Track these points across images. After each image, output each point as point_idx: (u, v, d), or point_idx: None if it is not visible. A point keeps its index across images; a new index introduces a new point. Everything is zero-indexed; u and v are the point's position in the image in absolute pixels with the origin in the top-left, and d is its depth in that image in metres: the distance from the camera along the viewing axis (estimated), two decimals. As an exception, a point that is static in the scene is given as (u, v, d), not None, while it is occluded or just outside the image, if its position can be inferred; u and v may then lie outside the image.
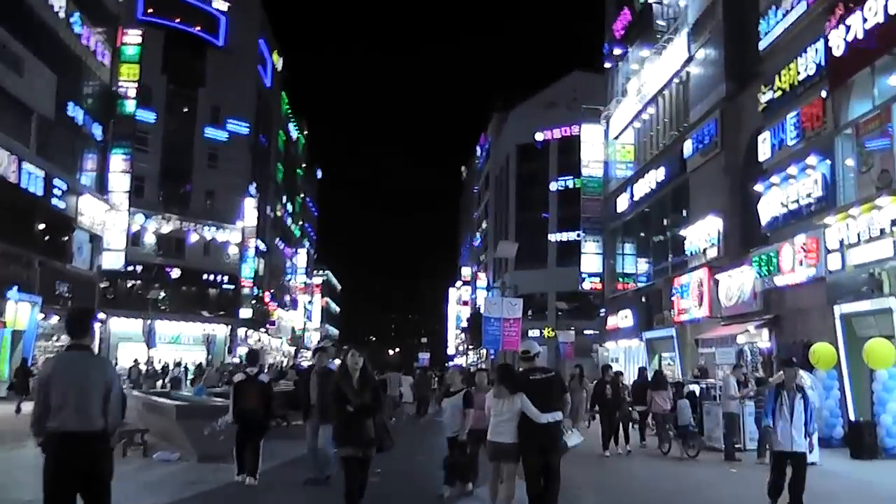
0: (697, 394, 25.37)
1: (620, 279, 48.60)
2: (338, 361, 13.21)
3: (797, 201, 25.25)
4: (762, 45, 28.33)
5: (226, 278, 74.77)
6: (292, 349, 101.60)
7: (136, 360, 47.65)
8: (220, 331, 72.67)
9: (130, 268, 62.10)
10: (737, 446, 20.85)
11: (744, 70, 31.59)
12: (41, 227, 42.91)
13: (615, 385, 22.19)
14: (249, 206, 75.60)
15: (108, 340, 61.43)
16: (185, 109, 74.15)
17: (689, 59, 37.04)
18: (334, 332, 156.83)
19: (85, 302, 45.70)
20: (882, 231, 20.48)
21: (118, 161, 53.92)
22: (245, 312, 75.49)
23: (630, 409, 23.28)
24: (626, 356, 45.17)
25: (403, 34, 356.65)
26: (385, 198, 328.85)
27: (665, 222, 41.15)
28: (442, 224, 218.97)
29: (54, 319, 41.53)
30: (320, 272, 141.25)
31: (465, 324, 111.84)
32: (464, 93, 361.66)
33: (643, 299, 43.08)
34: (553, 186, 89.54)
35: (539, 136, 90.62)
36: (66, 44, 44.84)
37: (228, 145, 75.14)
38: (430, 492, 13.81)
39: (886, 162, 21.88)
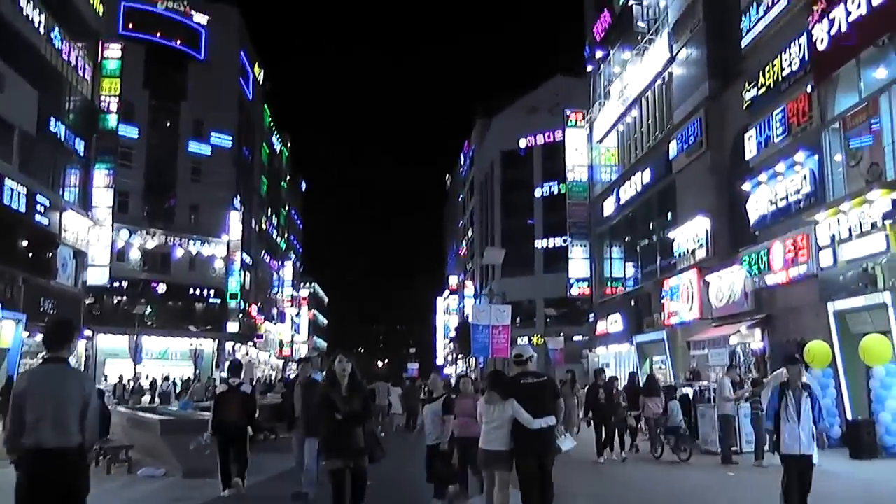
0: (691, 397, 25.20)
1: (609, 283, 48.39)
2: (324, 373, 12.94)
3: (786, 198, 25.10)
4: (744, 42, 28.32)
5: (212, 292, 74.67)
6: (280, 362, 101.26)
7: (120, 377, 47.44)
8: (208, 345, 72.44)
9: (116, 283, 62.01)
10: (733, 449, 20.53)
11: (727, 68, 31.48)
12: (24, 243, 42.42)
13: (609, 390, 21.88)
14: (234, 220, 75.56)
15: (94, 357, 61.21)
16: (168, 124, 74.20)
17: (672, 60, 36.92)
18: (322, 344, 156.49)
19: (72, 319, 45.17)
20: (874, 225, 20.28)
21: (101, 176, 53.53)
22: (232, 326, 75.40)
23: (626, 414, 22.98)
24: (616, 361, 44.95)
25: (383, 44, 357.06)
26: (370, 209, 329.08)
27: (652, 224, 40.97)
28: (428, 233, 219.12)
29: (39, 337, 41.05)
30: (307, 284, 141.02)
31: (453, 333, 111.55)
32: (446, 100, 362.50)
33: (632, 303, 42.84)
34: (538, 192, 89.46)
35: (522, 143, 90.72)
36: (47, 59, 44.50)
37: (212, 159, 75.08)
38: (419, 502, 13.53)
39: (876, 155, 21.71)
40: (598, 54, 48.50)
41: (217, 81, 74.43)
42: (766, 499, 15.27)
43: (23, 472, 7.21)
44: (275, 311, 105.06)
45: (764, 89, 26.54)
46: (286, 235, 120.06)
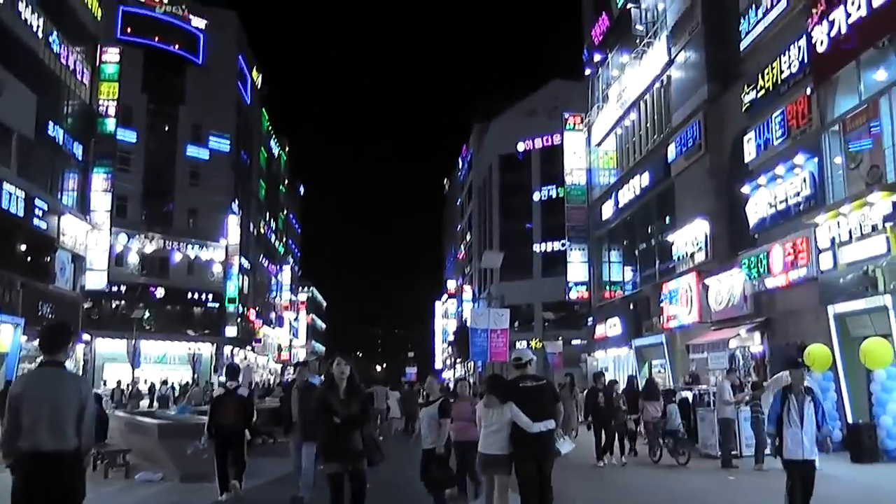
0: (690, 400, 25.12)
1: (607, 287, 48.34)
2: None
3: (785, 201, 25.01)
4: (743, 44, 28.24)
5: (210, 296, 74.83)
6: (279, 366, 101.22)
7: (118, 381, 47.39)
8: (206, 349, 72.27)
9: (115, 288, 62.24)
10: (733, 453, 20.44)
11: (725, 71, 31.47)
12: (23, 247, 42.41)
13: (608, 393, 21.78)
14: (232, 224, 75.71)
15: (93, 361, 61.23)
16: (166, 128, 74.29)
17: (670, 63, 36.89)
18: (320, 348, 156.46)
19: (69, 322, 45.28)
20: (874, 227, 20.20)
21: (99, 180, 53.50)
22: (230, 330, 75.49)
23: (626, 418, 22.86)
24: (615, 365, 44.85)
25: (380, 47, 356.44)
26: (368, 213, 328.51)
27: (651, 228, 40.90)
28: (426, 237, 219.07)
29: (38, 341, 40.91)
30: (305, 289, 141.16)
31: (451, 337, 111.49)
32: (445, 102, 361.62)
33: (631, 307, 42.77)
34: (536, 196, 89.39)
35: (521, 146, 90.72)
36: (45, 63, 44.43)
37: (210, 163, 75.21)
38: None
39: (876, 157, 21.63)
40: (597, 58, 48.47)
41: (215, 85, 74.69)
42: (767, 502, 15.24)
43: (19, 475, 7.15)
44: (273, 315, 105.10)
45: (763, 92, 26.47)
46: (284, 239, 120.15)
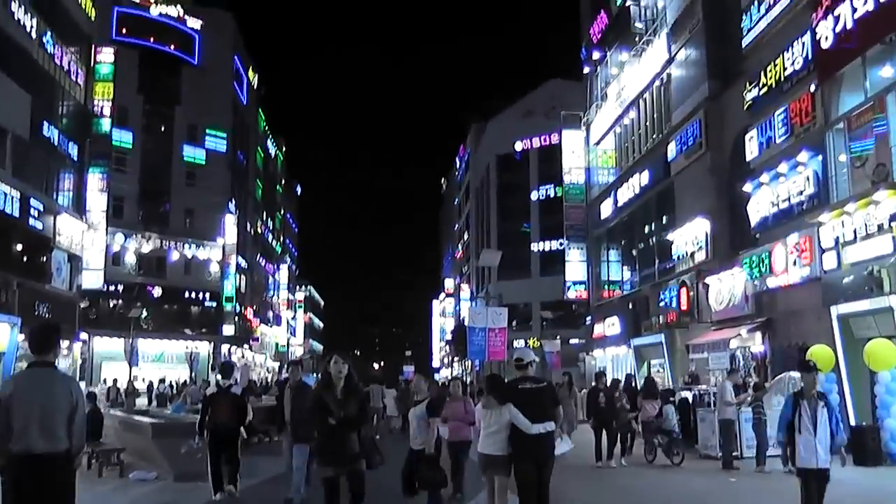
0: (690, 400, 24.95)
1: (606, 286, 48.16)
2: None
3: (788, 200, 24.70)
4: (745, 41, 27.97)
5: (208, 296, 75.07)
6: (276, 365, 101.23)
7: (114, 380, 47.31)
8: (203, 348, 72.38)
9: (112, 287, 62.75)
10: (734, 454, 20.25)
11: (727, 68, 31.20)
12: (19, 247, 42.36)
13: (610, 394, 21.55)
14: (229, 224, 75.89)
15: (91, 360, 61.37)
16: (162, 128, 74.47)
17: (670, 61, 36.67)
18: (318, 347, 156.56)
19: (66, 322, 45.32)
20: (880, 227, 19.87)
21: (95, 180, 53.47)
22: (228, 329, 75.61)
23: (629, 418, 22.65)
24: (613, 364, 44.68)
25: (377, 47, 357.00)
26: (366, 212, 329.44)
27: (651, 227, 40.69)
28: (424, 236, 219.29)
29: (27, 342, 40.93)
30: (302, 287, 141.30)
31: (449, 336, 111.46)
32: (442, 104, 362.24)
33: (630, 306, 42.59)
34: (534, 196, 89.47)
35: (518, 146, 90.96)
36: (39, 63, 44.29)
37: (206, 163, 75.37)
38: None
39: (882, 155, 21.33)
40: (595, 56, 48.24)
41: (211, 86, 74.77)
42: (767, 502, 15.06)
43: (9, 477, 7.10)
44: (270, 314, 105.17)
45: (765, 89, 26.20)
46: (282, 239, 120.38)
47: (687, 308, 33.02)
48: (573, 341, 65.06)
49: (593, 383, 23.38)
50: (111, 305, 67.81)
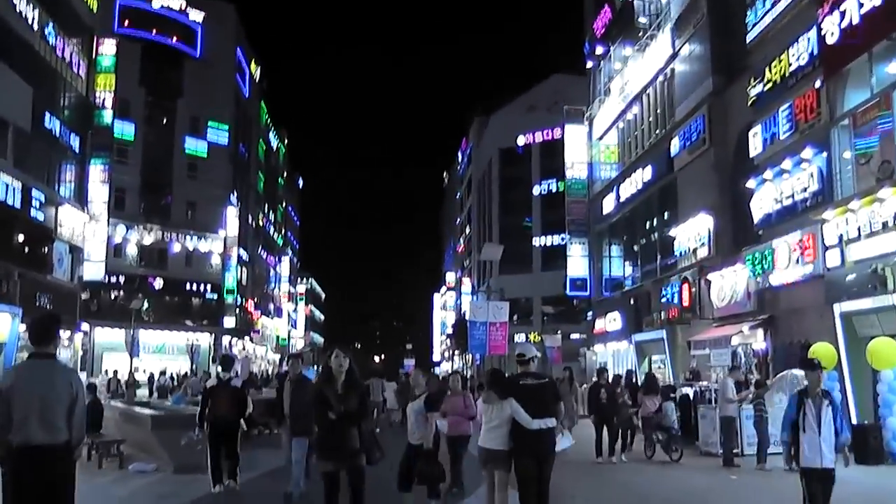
0: (691, 397, 24.89)
1: (606, 283, 48.08)
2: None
3: (792, 196, 24.52)
4: (750, 36, 27.81)
5: (209, 287, 75.23)
6: (277, 357, 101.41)
7: (115, 371, 47.32)
8: (204, 340, 72.63)
9: (113, 279, 63.45)
10: (734, 452, 20.19)
11: (731, 64, 31.02)
12: (20, 238, 42.54)
13: (611, 390, 21.51)
14: (231, 216, 76.21)
15: (92, 351, 61.65)
16: (164, 121, 74.54)
17: (674, 56, 36.48)
18: (319, 339, 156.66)
19: (67, 313, 45.46)
20: (885, 225, 19.77)
21: (97, 172, 53.66)
22: (229, 321, 75.98)
23: (631, 413, 22.60)
24: (614, 359, 44.57)
25: (381, 40, 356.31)
26: (368, 205, 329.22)
27: (653, 223, 40.56)
28: (426, 229, 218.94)
29: (28, 333, 40.98)
30: (304, 280, 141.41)
31: (450, 330, 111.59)
32: (445, 98, 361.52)
33: (631, 301, 42.48)
34: (536, 190, 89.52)
35: (521, 140, 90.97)
36: (41, 55, 44.39)
37: (208, 156, 75.54)
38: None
39: (887, 152, 21.17)
40: (599, 50, 48.02)
41: (213, 79, 74.95)
42: (769, 500, 14.99)
43: (9, 468, 7.09)
44: (272, 306, 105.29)
45: (770, 85, 26.04)
46: (283, 232, 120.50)
47: (689, 304, 32.95)
48: (574, 336, 64.97)
49: (595, 379, 23.33)
50: (112, 297, 68.02)
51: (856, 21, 20.72)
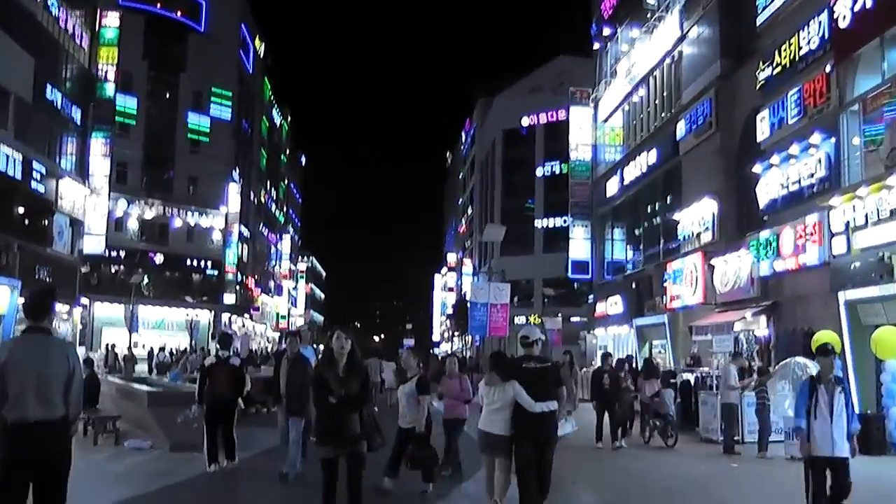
0: (692, 383, 24.74)
1: (609, 266, 47.94)
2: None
3: (798, 182, 24.32)
4: (760, 19, 27.61)
5: (209, 264, 75.19)
6: (276, 335, 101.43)
7: (113, 346, 47.27)
8: (204, 316, 72.44)
9: (114, 253, 63.32)
10: (735, 439, 20.05)
11: (740, 47, 30.74)
12: (20, 210, 42.48)
13: (614, 375, 21.32)
14: (233, 192, 76.01)
15: (91, 325, 61.60)
16: (167, 95, 74.22)
17: (682, 38, 36.21)
18: (319, 318, 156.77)
19: (66, 286, 45.40)
20: (892, 212, 19.54)
21: (98, 145, 53.35)
22: (229, 298, 75.96)
23: (633, 399, 22.46)
24: (615, 343, 44.51)
25: (388, 24, 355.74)
26: (370, 184, 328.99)
27: (657, 206, 40.34)
28: (427, 210, 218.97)
29: (23, 306, 40.84)
30: (305, 258, 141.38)
31: (450, 310, 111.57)
32: (449, 79, 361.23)
33: (633, 285, 42.33)
34: (539, 172, 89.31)
35: (525, 122, 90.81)
36: (44, 26, 44.18)
37: (211, 131, 75.21)
38: (409, 485, 12.90)
39: (896, 139, 21.03)
40: (606, 32, 47.80)
41: (217, 54, 74.61)
42: (771, 490, 14.82)
43: (4, 444, 6.96)
44: (272, 283, 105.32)
45: (779, 69, 25.79)
46: (285, 209, 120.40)
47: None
48: (574, 319, 64.88)
49: (598, 364, 23.17)
50: (112, 271, 68.02)
51: (869, 5, 20.49)
